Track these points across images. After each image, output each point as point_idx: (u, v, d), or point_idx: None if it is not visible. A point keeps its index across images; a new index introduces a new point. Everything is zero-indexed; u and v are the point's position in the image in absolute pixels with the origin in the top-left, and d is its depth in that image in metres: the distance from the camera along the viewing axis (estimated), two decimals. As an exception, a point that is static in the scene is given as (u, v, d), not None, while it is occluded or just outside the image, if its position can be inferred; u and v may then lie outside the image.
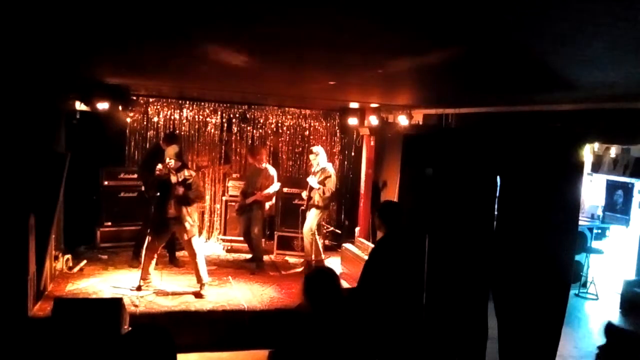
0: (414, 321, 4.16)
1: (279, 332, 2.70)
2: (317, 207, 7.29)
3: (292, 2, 2.19)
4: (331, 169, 7.44)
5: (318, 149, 7.58)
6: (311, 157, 7.55)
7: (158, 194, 6.14)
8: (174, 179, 6.02)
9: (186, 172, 6.15)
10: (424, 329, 4.78)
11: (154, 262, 6.25)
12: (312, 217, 7.33)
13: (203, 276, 6.16)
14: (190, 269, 6.44)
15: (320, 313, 2.67)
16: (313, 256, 7.39)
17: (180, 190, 5.98)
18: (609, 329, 2.00)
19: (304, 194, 7.53)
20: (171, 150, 6.18)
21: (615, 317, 7.25)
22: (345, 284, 6.16)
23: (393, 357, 3.92)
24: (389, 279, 3.94)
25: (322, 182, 7.23)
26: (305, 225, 7.38)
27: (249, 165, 8.26)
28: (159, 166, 6.12)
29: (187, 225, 6.05)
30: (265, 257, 7.77)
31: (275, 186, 7.44)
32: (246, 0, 2.21)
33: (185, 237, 6.09)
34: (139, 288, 6.07)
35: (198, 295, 6.08)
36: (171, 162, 6.04)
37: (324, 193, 7.22)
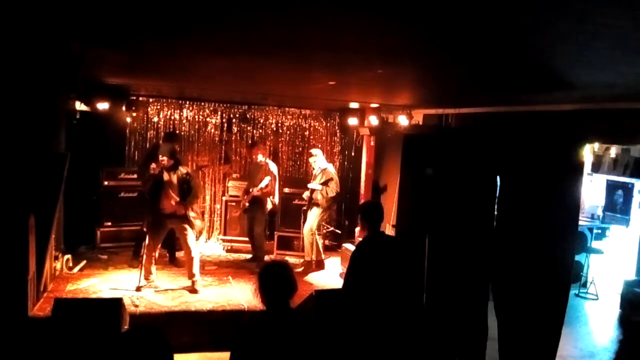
0: (407, 321, 4.15)
1: (234, 333, 2.70)
2: (319, 206, 7.29)
3: (292, 3, 2.19)
4: (332, 170, 7.44)
5: (316, 151, 7.60)
6: (310, 159, 7.57)
7: (151, 194, 6.15)
8: (166, 176, 6.04)
9: (182, 169, 6.17)
10: (424, 329, 4.78)
11: (154, 261, 6.26)
12: (313, 217, 7.32)
13: (195, 272, 6.20)
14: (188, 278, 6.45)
15: (275, 307, 2.69)
16: (313, 256, 7.39)
17: (174, 201, 6.02)
18: (626, 322, 1.99)
19: (305, 195, 7.52)
20: (164, 147, 6.20)
21: (615, 317, 7.25)
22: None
23: (392, 357, 3.91)
24: (370, 279, 3.92)
25: (324, 184, 7.23)
26: (305, 224, 7.38)
27: (249, 164, 8.26)
28: (153, 165, 6.13)
29: (186, 223, 6.07)
30: (266, 257, 7.76)
31: (265, 180, 7.35)
32: (247, 2, 2.21)
33: (185, 232, 6.10)
34: (138, 288, 6.07)
35: (192, 290, 6.13)
36: (164, 159, 6.05)
37: (327, 193, 7.22)
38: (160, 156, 6.10)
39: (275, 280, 2.71)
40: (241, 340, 2.66)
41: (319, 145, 9.10)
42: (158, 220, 6.10)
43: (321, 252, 7.60)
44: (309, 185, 7.39)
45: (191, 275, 6.20)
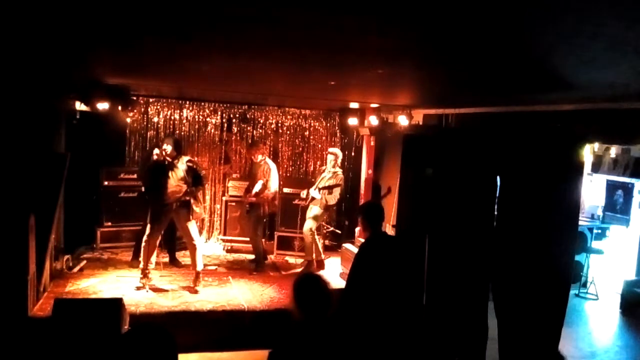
0: (410, 321, 4.15)
1: (278, 333, 2.67)
2: (319, 206, 7.29)
3: (292, 4, 2.19)
4: (341, 175, 7.43)
5: (337, 150, 7.58)
6: (330, 157, 7.46)
7: (153, 179, 6.16)
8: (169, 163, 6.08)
9: (184, 158, 6.25)
10: (424, 329, 4.78)
11: (155, 254, 6.25)
12: (313, 217, 7.32)
13: (198, 263, 6.21)
14: (191, 269, 6.45)
15: (311, 319, 2.66)
16: (314, 255, 7.38)
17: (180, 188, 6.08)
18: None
19: (303, 194, 7.49)
20: (168, 138, 6.29)
21: (615, 317, 7.25)
22: (343, 285, 6.17)
23: (391, 357, 3.91)
24: (374, 280, 3.93)
25: (327, 188, 7.21)
26: (305, 224, 7.37)
27: (251, 164, 8.25)
28: (156, 150, 6.12)
29: (188, 210, 6.12)
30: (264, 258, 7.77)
31: (258, 184, 7.29)
32: (247, 2, 2.21)
33: (185, 223, 6.12)
34: (139, 288, 6.08)
35: (193, 290, 6.13)
36: (168, 148, 6.08)
37: (326, 201, 7.21)
38: (164, 144, 6.11)
39: (314, 295, 2.67)
40: (281, 356, 2.59)
41: (319, 146, 9.12)
42: (161, 208, 6.09)
43: (321, 252, 7.60)
44: (311, 191, 7.33)
45: (194, 266, 6.20)
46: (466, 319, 4.81)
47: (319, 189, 7.22)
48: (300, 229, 7.54)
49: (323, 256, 7.67)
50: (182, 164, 6.13)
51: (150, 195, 6.23)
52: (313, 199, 7.34)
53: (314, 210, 7.32)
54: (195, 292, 6.14)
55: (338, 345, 2.65)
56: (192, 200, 6.15)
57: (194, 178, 6.18)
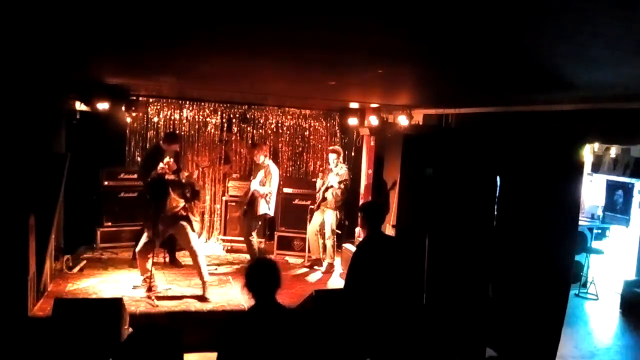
0: (409, 320, 4.15)
1: (219, 334, 2.76)
2: (332, 208, 7.33)
3: (292, 5, 2.19)
4: (345, 170, 7.47)
5: (338, 148, 7.64)
6: (332, 157, 7.45)
7: (154, 193, 6.13)
8: (171, 177, 6.04)
9: (185, 172, 6.30)
10: (424, 329, 4.78)
11: (150, 260, 6.21)
12: (331, 219, 7.39)
13: (204, 274, 6.13)
14: (191, 269, 6.43)
15: (260, 302, 2.76)
16: (334, 256, 7.50)
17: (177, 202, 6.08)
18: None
19: (319, 185, 7.51)
20: (170, 152, 6.30)
21: (615, 317, 7.25)
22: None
23: (391, 357, 3.92)
24: (371, 280, 3.94)
25: (340, 183, 7.25)
26: (326, 228, 7.45)
27: (252, 164, 8.25)
28: (161, 165, 6.10)
29: (188, 223, 6.07)
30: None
31: (266, 189, 7.25)
32: (246, 2, 2.21)
33: (187, 236, 6.06)
34: (138, 287, 6.07)
35: (203, 299, 6.00)
36: (171, 160, 6.06)
37: (336, 194, 7.25)
38: (167, 157, 6.10)
39: (259, 276, 2.80)
40: (227, 334, 2.73)
41: (319, 146, 9.12)
42: (162, 222, 6.03)
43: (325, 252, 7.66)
44: (330, 178, 7.34)
45: (201, 278, 6.10)
46: (466, 319, 4.81)
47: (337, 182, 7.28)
48: (302, 229, 7.56)
49: (322, 256, 7.71)
50: (182, 179, 6.12)
51: (149, 207, 6.20)
52: (325, 199, 7.36)
53: (329, 212, 7.35)
54: (206, 300, 6.00)
55: (284, 327, 2.76)
56: (190, 215, 6.13)
57: (191, 193, 6.16)
